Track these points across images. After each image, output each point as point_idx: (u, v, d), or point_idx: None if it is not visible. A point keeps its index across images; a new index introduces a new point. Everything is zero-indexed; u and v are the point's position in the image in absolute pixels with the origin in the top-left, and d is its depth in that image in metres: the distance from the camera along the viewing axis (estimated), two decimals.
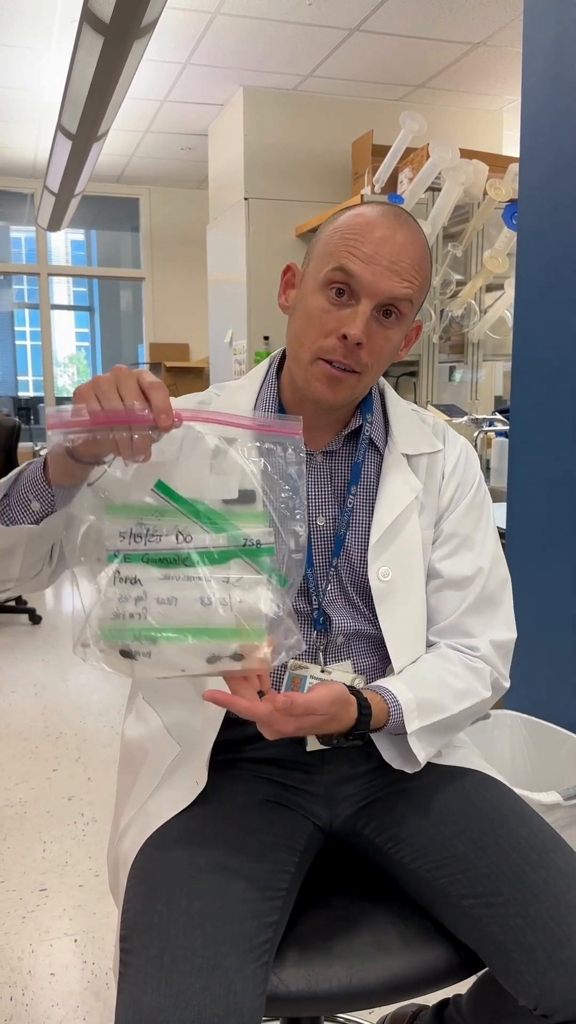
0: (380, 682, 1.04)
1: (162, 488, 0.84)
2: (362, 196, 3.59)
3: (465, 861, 0.97)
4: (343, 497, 1.11)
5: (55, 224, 5.36)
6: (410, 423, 1.16)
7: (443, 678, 1.07)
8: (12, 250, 7.28)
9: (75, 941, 1.91)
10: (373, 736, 1.03)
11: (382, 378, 1.16)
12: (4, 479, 0.96)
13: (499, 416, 3.10)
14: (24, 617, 4.50)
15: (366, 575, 1.09)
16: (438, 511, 1.14)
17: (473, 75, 4.12)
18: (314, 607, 1.09)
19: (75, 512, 0.86)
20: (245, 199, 4.18)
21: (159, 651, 0.81)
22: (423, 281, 1.04)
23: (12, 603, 4.54)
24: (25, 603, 4.55)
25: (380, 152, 3.79)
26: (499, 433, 3.11)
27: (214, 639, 0.81)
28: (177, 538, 0.83)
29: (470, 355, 3.61)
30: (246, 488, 0.85)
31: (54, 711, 3.24)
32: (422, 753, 1.03)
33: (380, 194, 3.56)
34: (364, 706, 0.97)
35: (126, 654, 0.82)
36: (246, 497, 0.85)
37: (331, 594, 1.10)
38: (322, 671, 1.07)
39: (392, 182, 3.66)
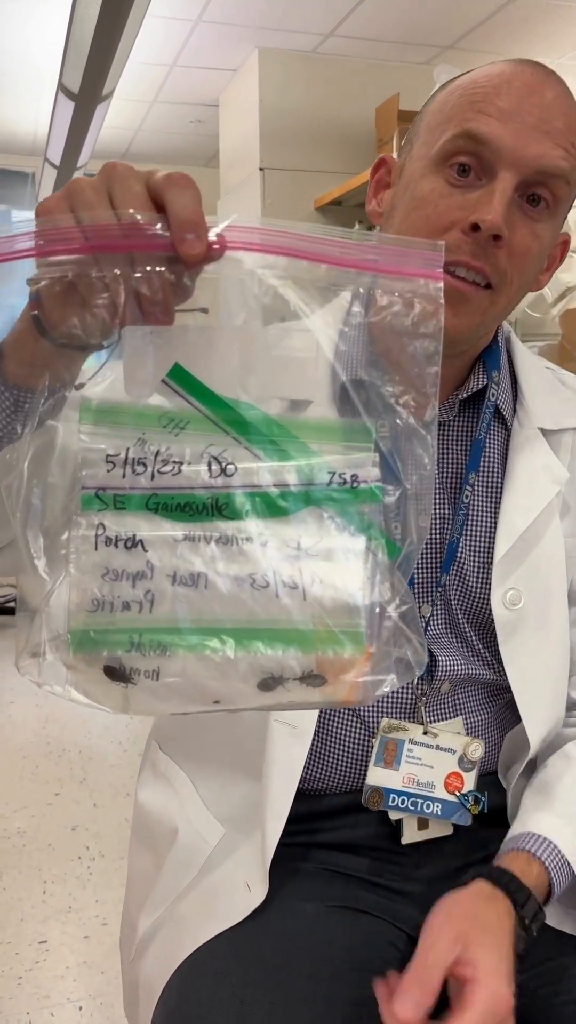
0: (527, 824, 0.74)
1: (182, 378, 0.50)
2: None
3: None
4: (457, 488, 0.81)
5: None
6: (548, 386, 0.85)
7: None
8: None
9: (80, 1009, 1.64)
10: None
11: (506, 323, 0.86)
12: None
13: None
14: None
15: (487, 600, 0.79)
16: None
17: (508, 33, 3.83)
18: None
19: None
20: (261, 170, 3.90)
21: (175, 668, 0.49)
22: None
23: (12, 604, 4.27)
24: None
25: (407, 118, 3.54)
26: None
27: (273, 648, 0.49)
28: (210, 468, 0.49)
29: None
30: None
31: (56, 724, 2.97)
32: None
33: None
34: (531, 920, 0.68)
35: (115, 673, 0.49)
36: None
37: (436, 624, 0.80)
38: (425, 733, 0.78)
39: None
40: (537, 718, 0.79)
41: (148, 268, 0.47)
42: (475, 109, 0.70)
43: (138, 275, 0.47)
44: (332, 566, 0.50)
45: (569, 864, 0.71)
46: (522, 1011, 0.74)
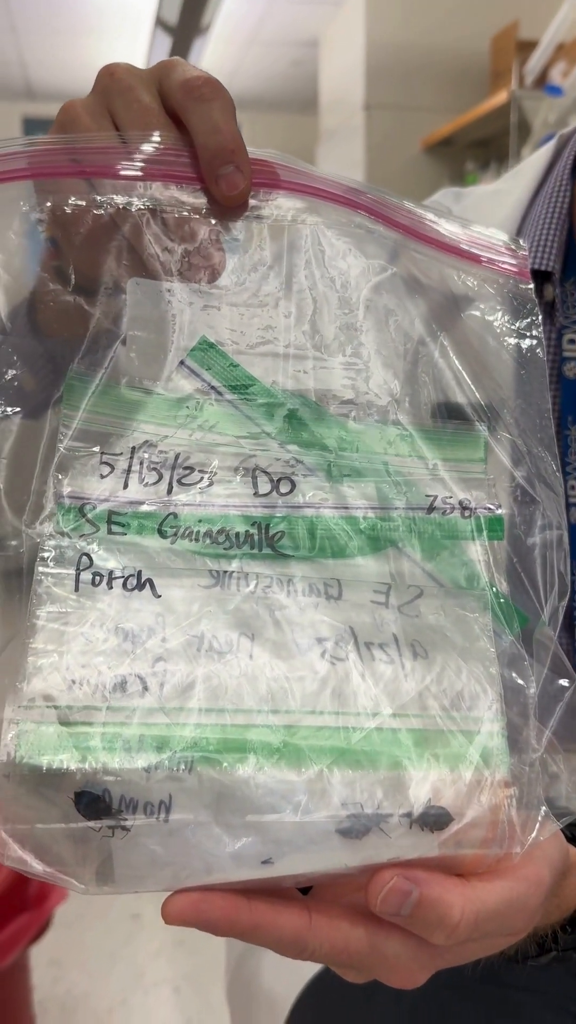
0: None
1: (210, 358, 0.36)
2: (511, 93, 3.07)
3: None
4: None
5: None
6: None
7: None
8: None
9: (175, 990, 1.54)
10: None
11: None
12: None
13: None
14: None
15: None
16: None
17: None
18: None
19: None
20: (365, 109, 3.69)
21: (196, 799, 0.31)
22: None
23: None
24: None
25: (526, 48, 3.29)
26: None
27: (367, 764, 0.32)
28: (256, 482, 0.36)
29: None
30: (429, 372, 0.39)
31: None
32: None
33: (532, 89, 3.04)
34: None
35: (97, 807, 0.31)
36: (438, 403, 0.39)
37: None
38: None
39: (542, 79, 3.14)
40: None
41: (170, 201, 0.35)
42: None
43: (151, 216, 0.35)
44: (442, 632, 0.35)
45: None
46: None
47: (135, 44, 4.47)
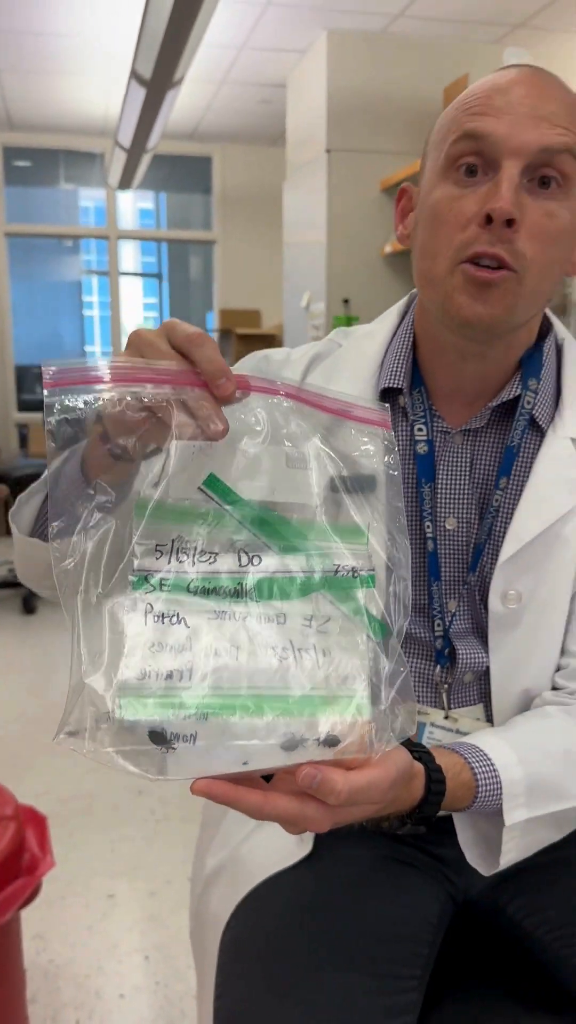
0: (477, 738, 0.77)
1: (215, 485, 0.60)
2: None
3: None
4: (487, 494, 0.85)
5: (126, 182, 5.16)
6: None
7: (569, 747, 0.79)
8: (80, 218, 7.16)
9: (146, 958, 1.75)
10: (455, 817, 0.78)
11: (561, 326, 0.89)
12: (40, 479, 0.73)
13: None
14: None
15: (487, 597, 0.84)
16: None
17: None
18: (437, 634, 0.86)
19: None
20: (327, 151, 3.91)
21: (210, 732, 0.56)
22: None
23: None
24: None
25: None
26: None
27: (297, 712, 0.57)
28: (239, 558, 0.60)
29: (574, 319, 3.30)
30: (341, 485, 0.63)
31: None
32: (511, 854, 0.75)
33: None
34: (435, 780, 0.70)
35: (158, 738, 0.55)
36: (337, 500, 0.63)
37: (461, 620, 0.87)
38: (446, 717, 0.86)
39: None
40: (507, 707, 0.85)
41: (193, 399, 0.58)
42: (471, 113, 0.74)
43: (180, 404, 0.58)
44: (338, 641, 0.60)
45: (500, 789, 0.73)
46: (543, 968, 0.81)
47: (108, 83, 4.69)
